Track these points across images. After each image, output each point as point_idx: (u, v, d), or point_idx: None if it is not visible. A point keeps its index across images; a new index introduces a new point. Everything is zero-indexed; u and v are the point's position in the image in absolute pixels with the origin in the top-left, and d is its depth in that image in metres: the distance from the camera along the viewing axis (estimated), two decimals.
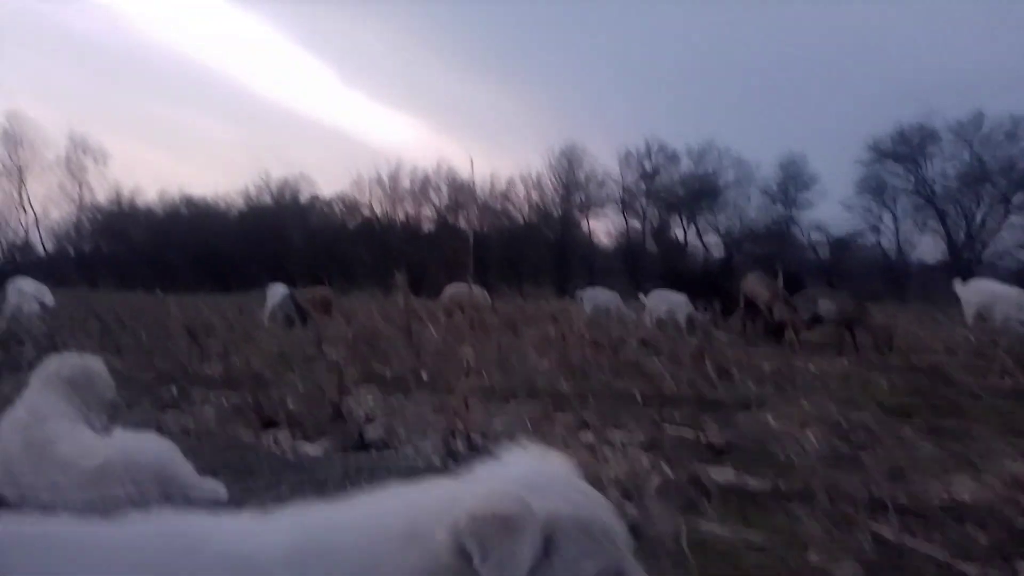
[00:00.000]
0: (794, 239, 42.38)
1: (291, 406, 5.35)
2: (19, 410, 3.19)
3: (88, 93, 75.37)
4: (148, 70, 78.94)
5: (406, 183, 49.18)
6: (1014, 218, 36.87)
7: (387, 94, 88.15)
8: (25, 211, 50.33)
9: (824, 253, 41.66)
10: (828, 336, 11.15)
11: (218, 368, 7.24)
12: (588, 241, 47.55)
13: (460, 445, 3.95)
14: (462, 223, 49.85)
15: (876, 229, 40.52)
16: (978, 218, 37.84)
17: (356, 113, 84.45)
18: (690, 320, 12.32)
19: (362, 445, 4.26)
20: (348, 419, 4.91)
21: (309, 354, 8.74)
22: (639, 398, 6.09)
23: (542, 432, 4.71)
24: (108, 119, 76.29)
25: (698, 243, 44.47)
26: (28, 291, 10.62)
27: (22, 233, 50.53)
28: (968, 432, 5.06)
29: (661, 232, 45.39)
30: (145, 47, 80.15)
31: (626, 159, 44.81)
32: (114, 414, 3.41)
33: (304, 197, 52.28)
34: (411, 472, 3.77)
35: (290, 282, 24.55)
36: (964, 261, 36.78)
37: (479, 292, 15.59)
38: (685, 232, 44.48)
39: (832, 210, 53.94)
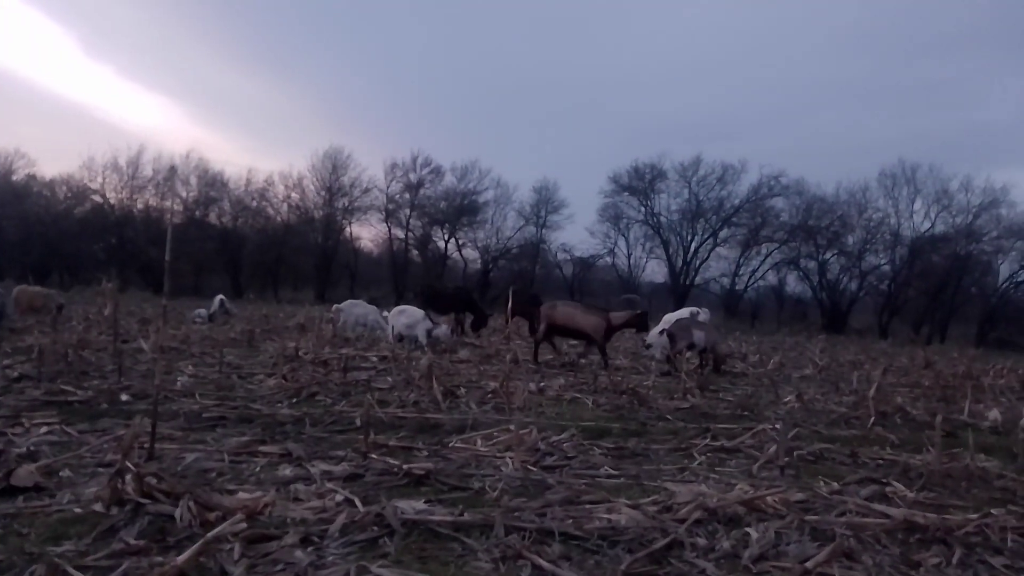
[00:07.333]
0: (544, 257, 45.49)
1: None
2: None
3: None
4: None
5: (148, 171, 43.99)
6: (720, 250, 43.74)
7: (138, 71, 79.00)
8: None
9: (569, 271, 45.37)
10: None
11: None
12: (352, 248, 46.53)
13: (131, 490, 3.51)
14: (213, 219, 46.06)
15: (613, 252, 45.12)
16: (692, 248, 43.86)
17: (98, 88, 74.47)
18: (429, 335, 12.47)
19: (8, 490, 3.64)
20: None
21: None
22: (359, 423, 6.00)
23: (238, 469, 4.42)
24: None
25: (458, 256, 45.80)
26: None
27: None
28: (647, 452, 5.71)
29: (424, 243, 45.91)
30: None
31: (392, 169, 44.76)
32: None
33: (19, 176, 44.62)
34: (63, 524, 3.30)
35: None
36: (682, 285, 42.29)
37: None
38: (446, 245, 45.53)
39: (579, 233, 59.42)
